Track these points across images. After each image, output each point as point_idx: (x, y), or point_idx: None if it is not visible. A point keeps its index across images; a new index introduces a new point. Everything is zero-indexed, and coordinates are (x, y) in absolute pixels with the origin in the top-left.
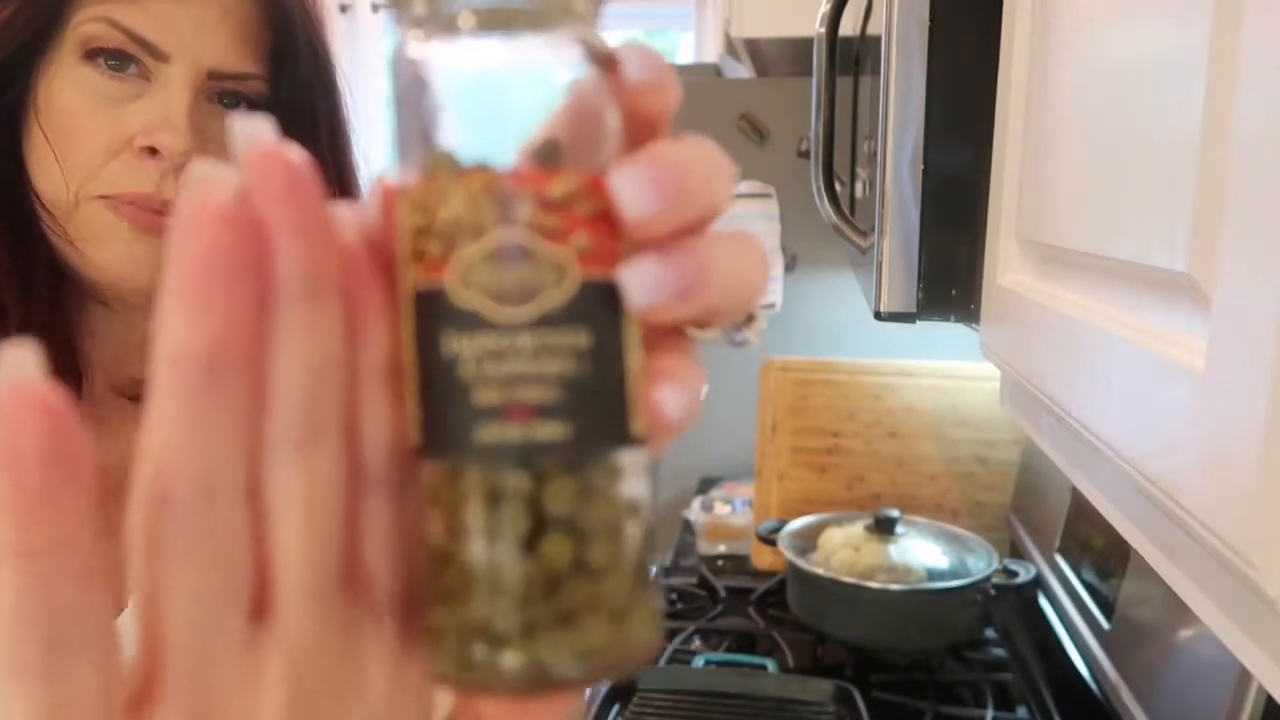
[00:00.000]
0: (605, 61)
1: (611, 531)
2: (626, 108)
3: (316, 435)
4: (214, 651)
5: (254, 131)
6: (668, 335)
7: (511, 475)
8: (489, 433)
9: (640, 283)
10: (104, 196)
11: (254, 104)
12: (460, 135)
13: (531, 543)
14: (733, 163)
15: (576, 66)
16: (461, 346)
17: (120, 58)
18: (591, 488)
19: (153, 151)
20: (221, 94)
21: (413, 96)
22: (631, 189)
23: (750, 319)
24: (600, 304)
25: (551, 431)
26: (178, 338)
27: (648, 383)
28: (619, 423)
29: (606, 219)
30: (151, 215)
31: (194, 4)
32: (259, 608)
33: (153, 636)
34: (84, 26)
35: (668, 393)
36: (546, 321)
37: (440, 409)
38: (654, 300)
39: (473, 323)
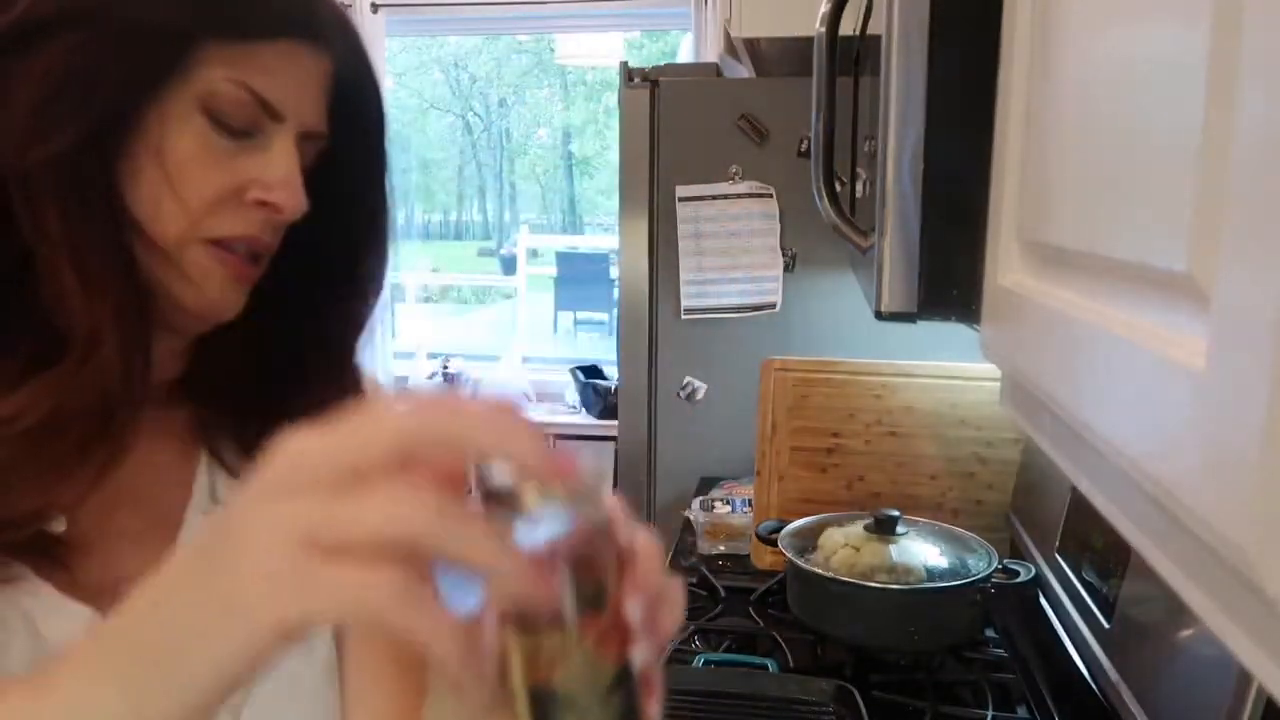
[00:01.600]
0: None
1: None
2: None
3: None
4: None
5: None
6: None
7: None
8: None
9: (643, 657)
10: (211, 240)
11: (315, 161)
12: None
13: None
14: (734, 160)
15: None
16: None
17: (242, 119)
18: None
19: (263, 204)
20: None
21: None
22: (645, 615)
23: None
24: (625, 673)
25: None
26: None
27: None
28: None
29: (619, 622)
30: (248, 265)
31: (302, 68)
32: None
33: None
34: (214, 85)
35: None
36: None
37: None
38: (651, 659)
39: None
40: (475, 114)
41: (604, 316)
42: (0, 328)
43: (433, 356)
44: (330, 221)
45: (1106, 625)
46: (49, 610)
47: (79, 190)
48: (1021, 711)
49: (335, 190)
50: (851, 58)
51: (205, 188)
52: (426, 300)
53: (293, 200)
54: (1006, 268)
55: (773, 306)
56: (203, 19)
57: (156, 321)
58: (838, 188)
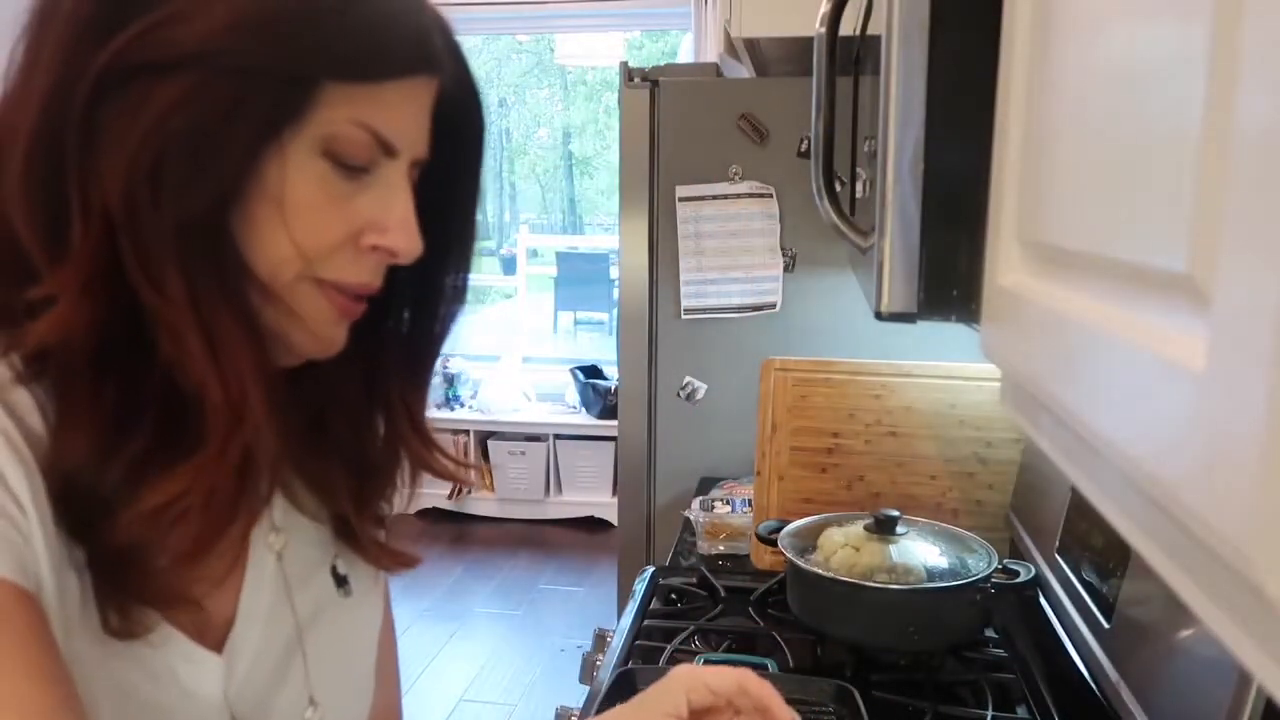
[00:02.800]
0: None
1: None
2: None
3: None
4: None
5: None
6: None
7: None
8: None
9: None
10: (323, 280)
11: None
12: None
13: None
14: (734, 160)
15: None
16: None
17: (360, 159)
18: None
19: (378, 248)
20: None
21: None
22: None
23: None
24: None
25: None
26: None
27: None
28: None
29: None
30: (356, 303)
31: (419, 101)
32: None
33: None
34: (336, 128)
35: None
36: None
37: None
38: None
39: None
40: None
41: (604, 316)
42: (120, 393)
43: None
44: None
45: (1106, 625)
46: (184, 659)
47: (201, 248)
48: (1021, 711)
49: (431, 207)
50: (851, 58)
51: (325, 235)
52: None
53: (409, 244)
54: (1006, 268)
55: (773, 306)
56: (325, 61)
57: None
58: (838, 188)
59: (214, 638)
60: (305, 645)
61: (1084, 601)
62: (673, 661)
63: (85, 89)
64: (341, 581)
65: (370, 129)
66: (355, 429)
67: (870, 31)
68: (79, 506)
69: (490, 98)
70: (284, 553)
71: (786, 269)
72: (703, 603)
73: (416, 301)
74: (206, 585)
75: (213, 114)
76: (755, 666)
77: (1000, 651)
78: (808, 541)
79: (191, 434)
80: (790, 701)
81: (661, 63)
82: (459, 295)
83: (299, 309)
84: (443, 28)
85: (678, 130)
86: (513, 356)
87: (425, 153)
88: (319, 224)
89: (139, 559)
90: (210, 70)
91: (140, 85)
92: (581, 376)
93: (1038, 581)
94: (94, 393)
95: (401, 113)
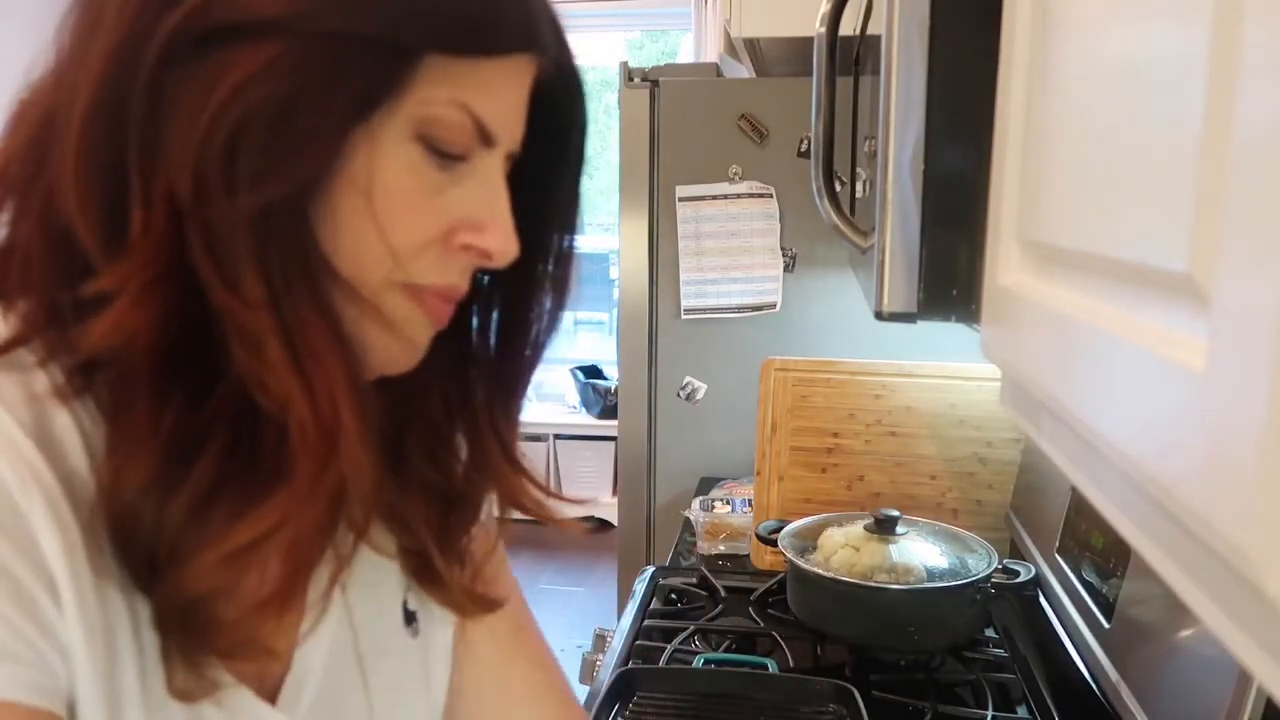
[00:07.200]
0: None
1: None
2: None
3: None
4: None
5: None
6: None
7: None
8: None
9: None
10: (410, 286)
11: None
12: None
13: None
14: (734, 160)
15: None
16: None
17: (457, 146)
18: None
19: (467, 248)
20: None
21: None
22: None
23: None
24: None
25: None
26: None
27: None
28: None
29: None
30: (446, 305)
31: (519, 84)
32: None
33: None
34: (434, 109)
35: None
36: None
37: None
38: None
39: None
40: None
41: (604, 316)
42: (186, 412)
43: None
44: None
45: (1106, 625)
46: (248, 716)
47: (281, 242)
48: (1021, 711)
49: (524, 207)
50: (851, 58)
51: (416, 230)
52: None
53: (506, 245)
54: (1006, 268)
55: (773, 306)
56: (425, 30)
57: None
58: (838, 188)
59: (271, 683)
60: (369, 688)
61: (1084, 601)
62: (673, 661)
63: (153, 53)
64: (410, 619)
65: (471, 112)
66: (435, 455)
67: (870, 31)
68: (139, 552)
69: None
70: (349, 585)
71: (786, 269)
72: (703, 603)
73: (508, 312)
74: (291, 634)
75: (299, 86)
76: (755, 666)
77: (1000, 651)
78: (808, 541)
79: (270, 461)
80: (791, 701)
81: (661, 63)
82: (557, 307)
83: (389, 316)
84: (547, 5)
85: (677, 130)
86: None
87: (519, 145)
88: (409, 218)
89: (211, 609)
90: (298, 36)
91: (216, 51)
92: (581, 376)
93: (1038, 581)
94: (155, 411)
95: (502, 96)
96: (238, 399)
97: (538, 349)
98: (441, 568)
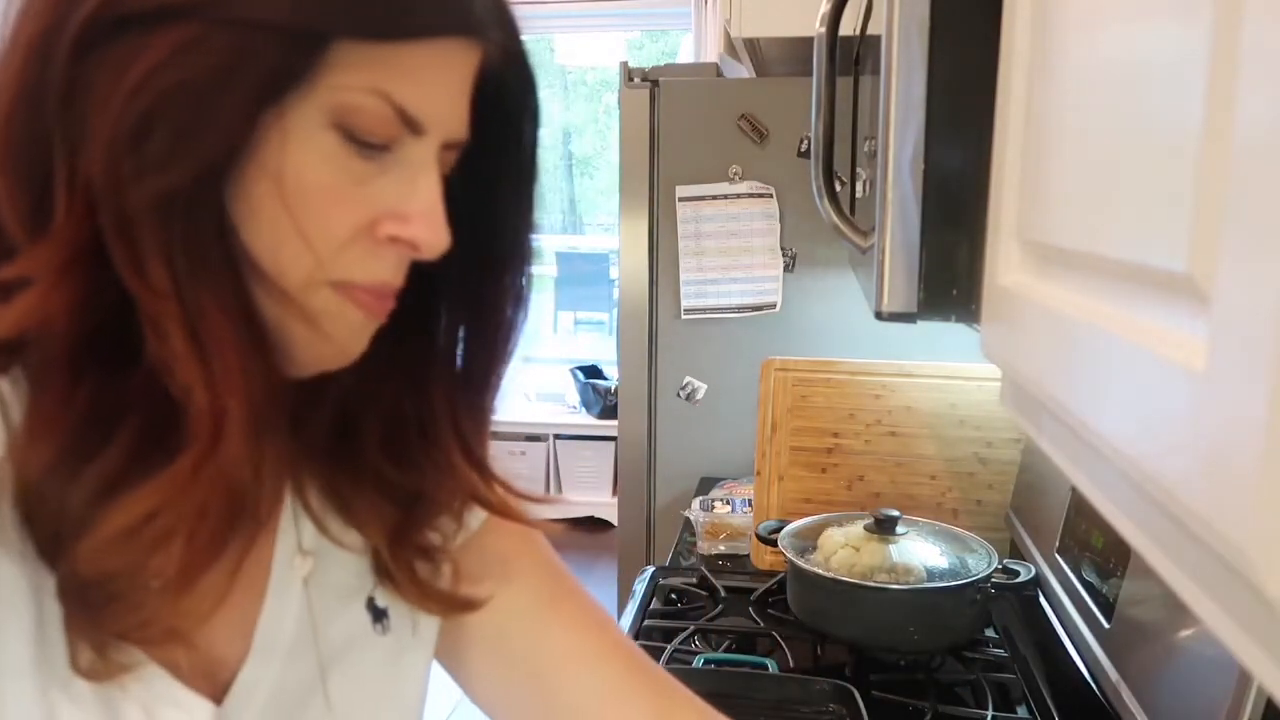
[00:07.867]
0: None
1: None
2: None
3: None
4: None
5: None
6: None
7: None
8: None
9: None
10: (339, 283)
11: (453, 169)
12: None
13: None
14: (734, 160)
15: None
16: None
17: (378, 135)
18: None
19: (398, 239)
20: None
21: None
22: None
23: None
24: None
25: None
26: None
27: None
28: None
29: None
30: (384, 301)
31: (452, 69)
32: None
33: None
34: (349, 96)
35: None
36: None
37: None
38: None
39: None
40: None
41: (604, 316)
42: (97, 394)
43: None
44: (467, 240)
45: (1106, 625)
46: (167, 702)
47: (189, 232)
48: (1021, 711)
49: (475, 202)
50: (851, 58)
51: (335, 224)
52: None
53: (434, 237)
54: (1006, 267)
55: (773, 306)
56: (333, 15)
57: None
58: (838, 188)
59: (222, 677)
60: (328, 687)
61: (1084, 601)
62: (673, 661)
63: (70, 39)
64: (379, 616)
65: (391, 100)
66: (392, 452)
67: (870, 31)
68: (46, 525)
69: None
70: (311, 579)
71: (786, 269)
72: (703, 603)
73: (468, 309)
74: (195, 619)
75: (205, 71)
76: (755, 666)
77: (1000, 651)
78: (808, 541)
79: (172, 447)
80: (791, 701)
81: (661, 63)
82: (518, 303)
83: (316, 317)
84: None
85: (677, 130)
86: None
87: (463, 133)
88: (326, 208)
89: (119, 589)
90: (207, 21)
91: (129, 38)
92: (581, 376)
93: (1038, 581)
94: (68, 392)
95: (430, 83)
96: (154, 385)
97: (502, 346)
98: (395, 563)
